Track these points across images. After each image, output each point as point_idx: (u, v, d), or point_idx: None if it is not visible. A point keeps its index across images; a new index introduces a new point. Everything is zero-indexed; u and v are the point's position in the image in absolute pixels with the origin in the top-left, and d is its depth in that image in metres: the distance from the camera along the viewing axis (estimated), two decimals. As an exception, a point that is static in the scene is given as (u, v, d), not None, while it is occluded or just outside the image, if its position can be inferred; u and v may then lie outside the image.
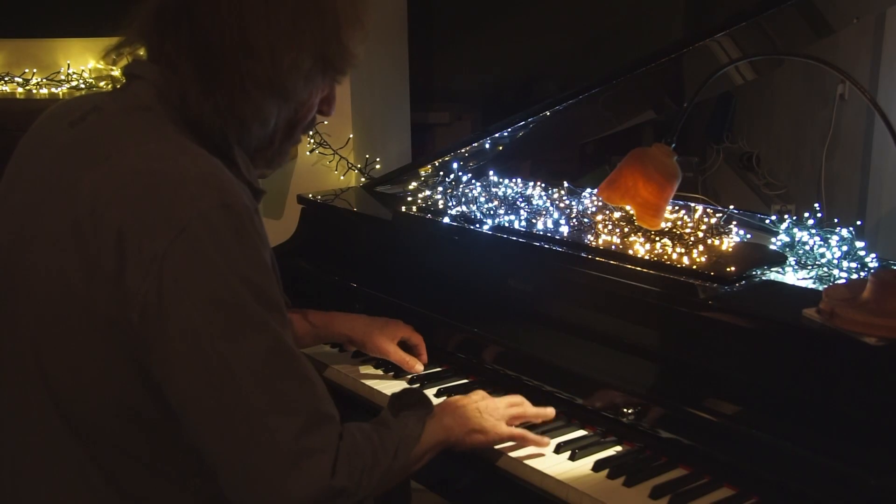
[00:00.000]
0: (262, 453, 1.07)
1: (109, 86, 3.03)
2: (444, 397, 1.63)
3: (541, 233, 1.83)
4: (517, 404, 1.51)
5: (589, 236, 1.78)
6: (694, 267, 1.57)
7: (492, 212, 1.97)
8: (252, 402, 1.07)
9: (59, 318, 1.11)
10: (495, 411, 1.46)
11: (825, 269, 1.60)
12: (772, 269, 1.61)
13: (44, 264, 1.12)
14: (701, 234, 1.74)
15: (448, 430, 1.38)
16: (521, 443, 1.47)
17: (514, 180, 2.22)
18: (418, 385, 1.70)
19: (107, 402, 1.12)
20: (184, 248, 1.04)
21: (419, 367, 1.77)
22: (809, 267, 1.61)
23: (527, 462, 1.44)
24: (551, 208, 1.97)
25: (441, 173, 2.38)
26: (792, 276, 1.59)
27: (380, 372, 1.81)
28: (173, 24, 1.17)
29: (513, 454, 1.46)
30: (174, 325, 1.05)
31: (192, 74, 1.16)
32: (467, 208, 2.02)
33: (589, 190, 2.10)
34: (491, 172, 2.30)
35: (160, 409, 1.12)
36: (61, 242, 1.10)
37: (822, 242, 1.67)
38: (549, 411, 1.53)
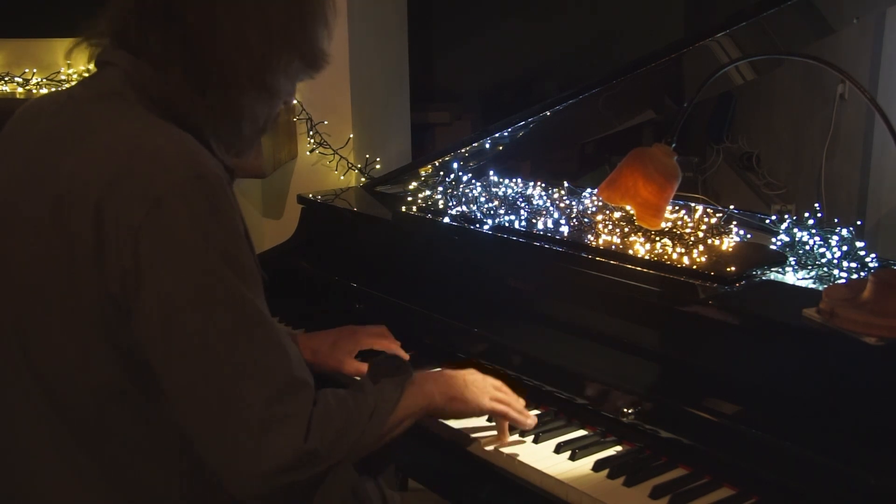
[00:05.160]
0: (235, 420, 1.09)
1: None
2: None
3: (541, 233, 1.83)
4: (500, 389, 1.49)
5: (589, 236, 1.78)
6: (694, 267, 1.57)
7: (492, 212, 1.97)
8: (224, 370, 1.08)
9: (41, 302, 1.13)
10: (482, 385, 1.45)
11: (825, 269, 1.60)
12: (772, 269, 1.61)
13: (24, 249, 1.13)
14: (701, 234, 1.74)
15: (429, 397, 1.37)
16: (502, 418, 1.46)
17: (514, 180, 2.22)
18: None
19: (91, 383, 1.13)
20: (159, 220, 1.06)
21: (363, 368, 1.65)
22: (809, 267, 1.61)
23: (527, 462, 1.43)
24: (551, 208, 1.97)
25: (441, 173, 2.37)
26: (792, 276, 1.59)
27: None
28: (159, 17, 1.18)
29: (513, 453, 1.46)
30: (150, 294, 1.07)
31: (183, 74, 1.17)
32: (467, 208, 2.02)
33: (589, 190, 2.10)
34: (491, 172, 2.30)
35: (144, 389, 1.13)
36: (41, 226, 1.11)
37: (821, 242, 1.67)
38: (530, 421, 1.48)
